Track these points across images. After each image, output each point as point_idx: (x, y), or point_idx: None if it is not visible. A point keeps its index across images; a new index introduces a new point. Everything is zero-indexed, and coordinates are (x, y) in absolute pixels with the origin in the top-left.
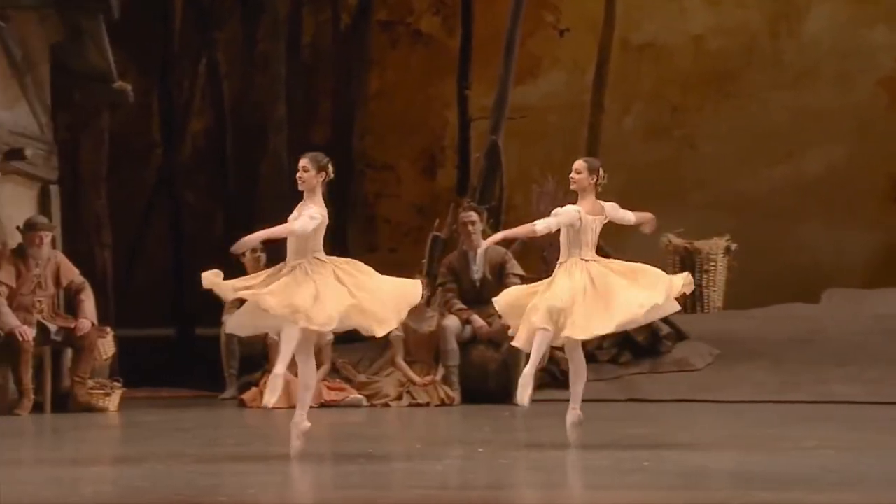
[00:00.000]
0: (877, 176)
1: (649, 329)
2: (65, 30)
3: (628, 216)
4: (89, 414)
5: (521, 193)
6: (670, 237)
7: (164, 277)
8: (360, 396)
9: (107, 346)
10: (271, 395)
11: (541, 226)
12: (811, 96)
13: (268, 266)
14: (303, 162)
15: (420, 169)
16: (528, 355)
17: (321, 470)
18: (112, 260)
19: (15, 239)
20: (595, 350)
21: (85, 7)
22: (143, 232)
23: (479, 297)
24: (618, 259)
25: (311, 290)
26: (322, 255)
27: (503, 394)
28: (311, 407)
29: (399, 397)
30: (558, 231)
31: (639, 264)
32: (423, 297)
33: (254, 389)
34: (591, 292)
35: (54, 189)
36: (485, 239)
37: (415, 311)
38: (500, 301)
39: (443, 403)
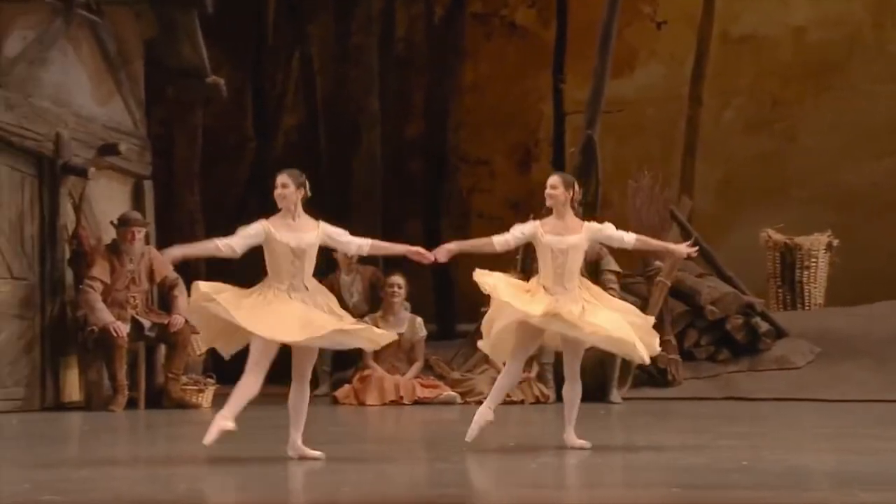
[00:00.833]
0: None
1: (748, 326)
2: (159, 25)
3: (624, 238)
4: (183, 410)
5: (617, 189)
6: (770, 232)
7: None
8: (453, 394)
9: (200, 343)
10: (209, 435)
11: (498, 240)
12: None
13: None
14: (282, 179)
15: (514, 163)
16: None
17: (415, 468)
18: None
19: (109, 235)
20: (692, 348)
21: (179, 2)
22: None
23: None
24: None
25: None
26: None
27: (598, 392)
28: (405, 404)
29: None
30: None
31: (628, 306)
32: None
33: (346, 387)
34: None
35: (148, 184)
36: None
37: None
38: (486, 347)
39: (537, 401)
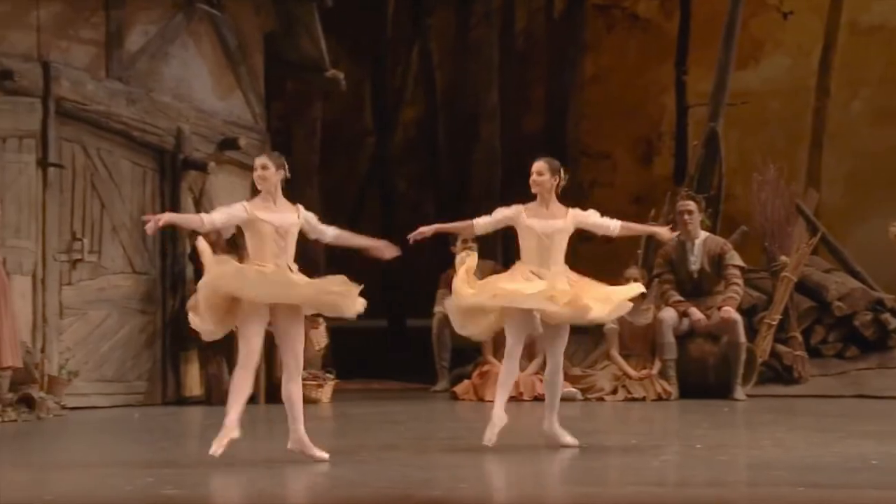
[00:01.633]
0: None
1: (877, 322)
2: (279, 19)
3: (609, 225)
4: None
5: (740, 182)
6: None
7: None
8: (574, 390)
9: (319, 338)
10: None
11: (478, 222)
12: None
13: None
14: (262, 161)
15: (636, 157)
16: (747, 349)
17: (535, 464)
18: (324, 250)
19: (229, 229)
20: (819, 345)
21: None
22: (354, 221)
23: (696, 288)
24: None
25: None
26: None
27: (722, 389)
28: (524, 400)
29: (614, 391)
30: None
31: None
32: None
33: (466, 382)
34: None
35: None
36: (703, 230)
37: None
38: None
39: (659, 398)
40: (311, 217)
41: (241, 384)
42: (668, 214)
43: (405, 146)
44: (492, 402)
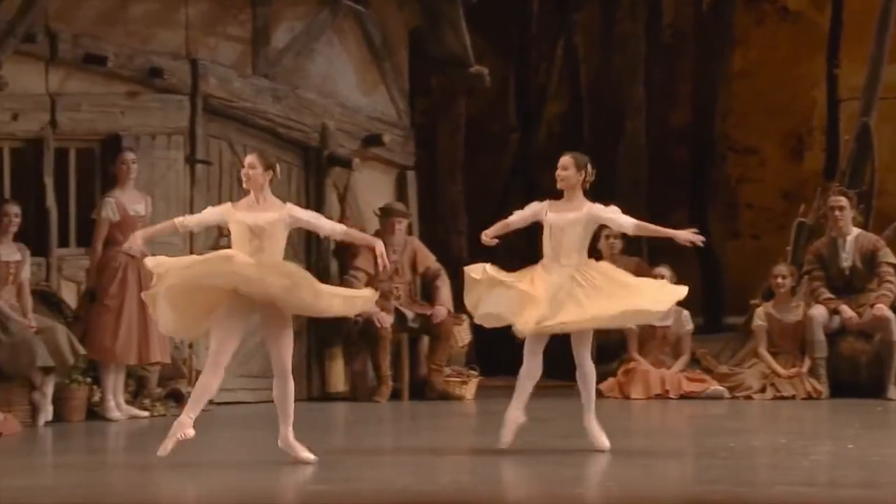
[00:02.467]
0: None
1: None
2: (423, 15)
3: (622, 222)
4: (446, 402)
5: (893, 178)
6: None
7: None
8: (721, 388)
9: (463, 334)
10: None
11: (513, 219)
12: None
13: (624, 253)
14: (250, 160)
15: (786, 152)
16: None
17: (682, 464)
18: (468, 247)
19: (373, 225)
20: None
21: None
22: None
23: (848, 286)
24: None
25: None
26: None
27: (875, 388)
28: (670, 398)
29: (762, 389)
30: None
31: (635, 279)
32: (785, 286)
33: (611, 380)
34: (578, 288)
35: (411, 175)
36: (856, 226)
37: (780, 301)
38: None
39: (809, 397)
40: (305, 214)
41: (210, 384)
42: (818, 210)
43: (549, 142)
44: (638, 399)
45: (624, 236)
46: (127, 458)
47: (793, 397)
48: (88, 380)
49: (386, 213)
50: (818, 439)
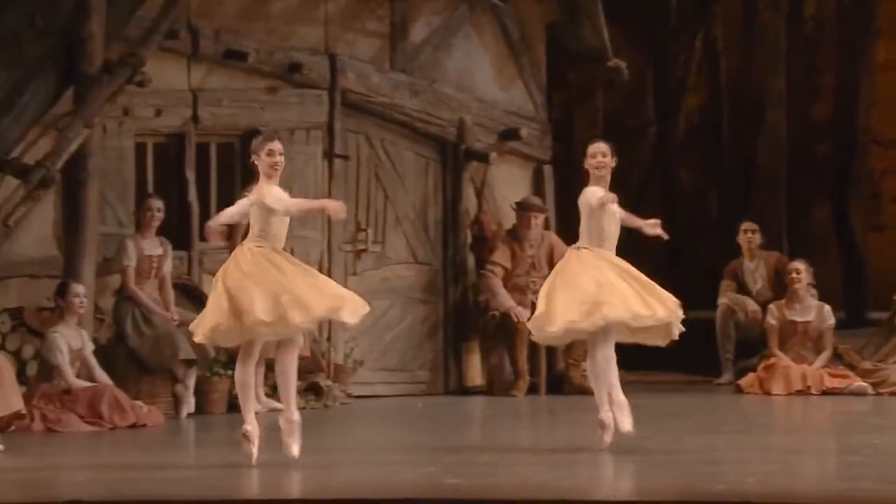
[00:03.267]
0: None
1: None
2: (561, 8)
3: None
4: (584, 396)
5: None
6: None
7: (657, 258)
8: (864, 384)
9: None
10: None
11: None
12: None
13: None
14: (279, 146)
15: None
16: None
17: (824, 460)
18: None
19: (510, 220)
20: None
21: None
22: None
23: None
24: None
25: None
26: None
27: None
28: (812, 394)
29: None
30: None
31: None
32: None
33: (751, 375)
34: (625, 276)
35: (548, 169)
36: None
37: None
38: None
39: None
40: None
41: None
42: None
43: (688, 134)
44: (778, 395)
45: (762, 231)
46: (267, 450)
47: None
48: (229, 373)
49: (522, 208)
50: None
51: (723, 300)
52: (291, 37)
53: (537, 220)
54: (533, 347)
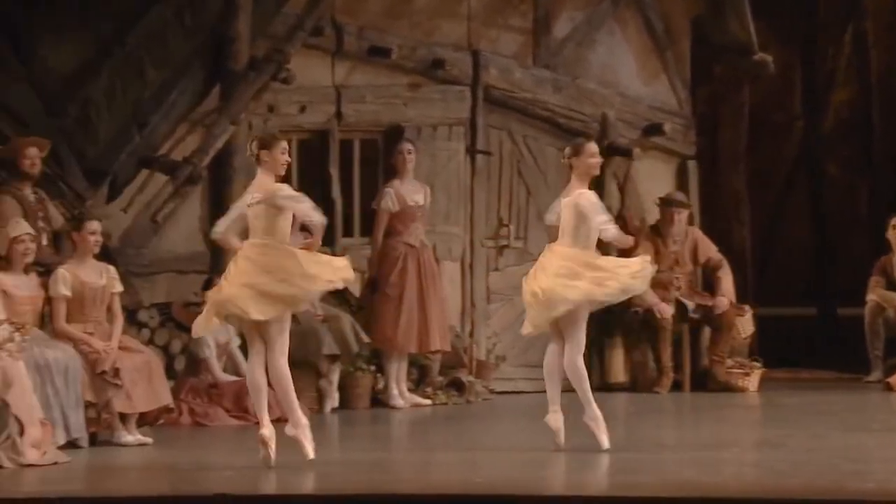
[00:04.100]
0: None
1: None
2: (707, 2)
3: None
4: (728, 393)
5: None
6: None
7: (805, 254)
8: None
9: (745, 325)
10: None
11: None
12: None
13: None
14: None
15: None
16: None
17: None
18: (750, 237)
19: (653, 215)
20: None
21: None
22: (782, 208)
23: None
24: None
25: None
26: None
27: None
28: None
29: None
30: None
31: None
32: None
33: None
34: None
35: (692, 165)
36: None
37: None
38: None
39: None
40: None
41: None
42: None
43: (836, 129)
44: None
45: None
46: (410, 445)
47: None
48: (372, 368)
49: (666, 204)
50: None
51: (872, 297)
52: (434, 33)
53: (681, 216)
54: (677, 344)
